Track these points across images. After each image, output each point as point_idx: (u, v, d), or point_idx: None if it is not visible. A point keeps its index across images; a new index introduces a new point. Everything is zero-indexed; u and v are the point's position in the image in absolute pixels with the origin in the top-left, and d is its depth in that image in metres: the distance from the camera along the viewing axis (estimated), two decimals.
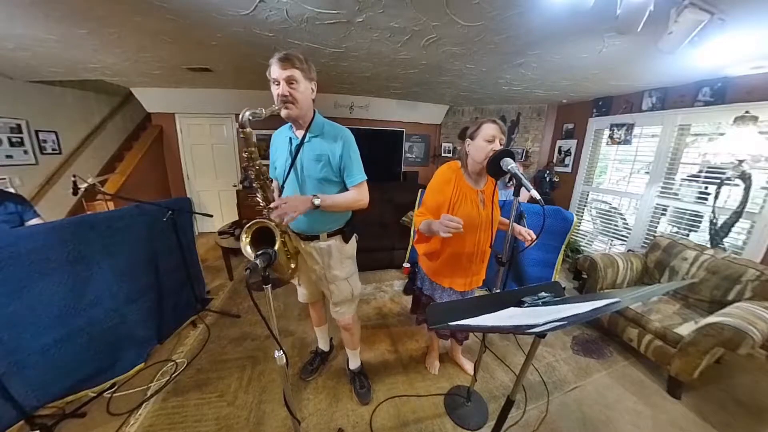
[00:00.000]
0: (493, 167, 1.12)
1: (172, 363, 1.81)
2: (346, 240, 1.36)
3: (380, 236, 3.35)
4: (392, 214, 3.84)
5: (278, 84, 1.07)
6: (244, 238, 1.09)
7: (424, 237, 1.40)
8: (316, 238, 1.29)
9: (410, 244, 3.26)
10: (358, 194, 1.23)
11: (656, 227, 2.92)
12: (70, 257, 1.50)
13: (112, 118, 4.18)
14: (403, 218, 3.75)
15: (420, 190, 3.19)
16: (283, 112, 1.09)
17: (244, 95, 3.84)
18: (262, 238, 1.14)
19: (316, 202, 1.12)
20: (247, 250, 1.09)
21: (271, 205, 1.05)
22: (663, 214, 2.89)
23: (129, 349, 1.75)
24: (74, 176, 1.95)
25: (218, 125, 4.15)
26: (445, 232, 1.07)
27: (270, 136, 1.30)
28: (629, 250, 2.88)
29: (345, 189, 1.26)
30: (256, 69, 2.79)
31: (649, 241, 2.84)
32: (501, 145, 1.21)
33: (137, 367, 1.74)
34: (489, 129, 1.22)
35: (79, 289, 1.53)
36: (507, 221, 1.23)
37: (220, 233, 3.01)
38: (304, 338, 2.09)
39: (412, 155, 5.24)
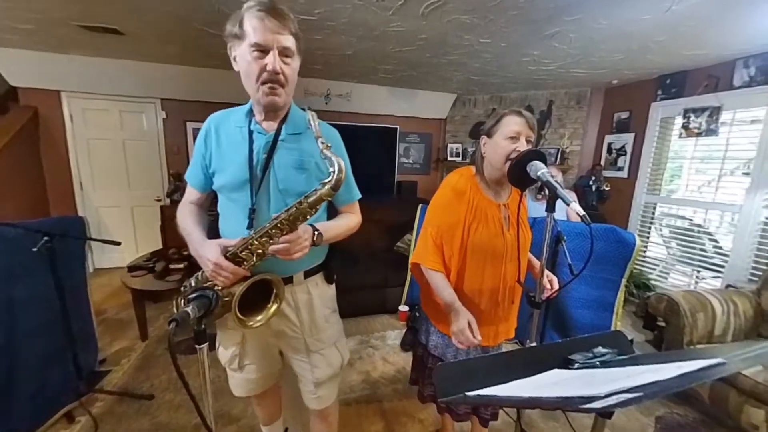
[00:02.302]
0: (517, 174, 1.13)
1: None
2: (330, 280, 1.31)
3: (367, 269, 3.33)
4: (383, 238, 3.84)
5: (264, 53, 0.98)
6: (234, 305, 1.03)
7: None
8: (287, 281, 1.18)
9: (408, 279, 3.25)
10: (356, 217, 1.29)
11: None
12: None
13: None
14: (399, 244, 3.75)
15: (420, 205, 3.23)
16: (267, 98, 1.03)
17: (177, 73, 3.88)
18: (257, 297, 1.10)
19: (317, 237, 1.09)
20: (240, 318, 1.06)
21: (283, 239, 1.00)
22: None
23: None
24: None
25: (134, 113, 4.16)
26: (458, 342, 1.21)
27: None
28: (729, 286, 2.88)
29: (324, 209, 1.24)
30: (193, 38, 2.83)
31: (760, 273, 2.77)
32: (529, 143, 1.24)
33: None
34: (511, 123, 1.25)
35: None
36: (538, 262, 1.25)
37: (132, 269, 2.93)
38: (254, 426, 1.99)
39: (409, 160, 5.36)
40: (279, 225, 1.00)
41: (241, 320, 1.05)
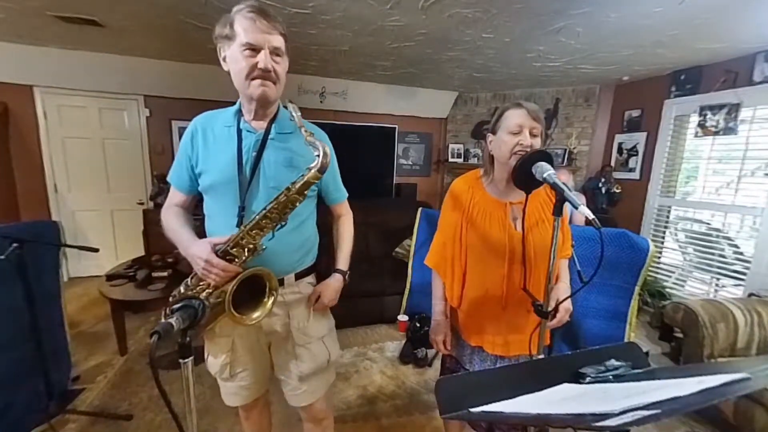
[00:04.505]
0: (522, 175, 1.15)
1: None
2: (321, 281, 1.41)
3: (364, 276, 3.32)
4: (382, 244, 3.84)
5: (255, 52, 1.08)
6: (227, 297, 1.04)
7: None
8: (278, 283, 1.23)
9: (407, 287, 3.24)
10: (350, 219, 1.47)
11: None
12: None
13: None
14: (397, 250, 3.75)
15: (420, 209, 3.23)
16: (258, 90, 1.11)
17: (162, 68, 3.88)
18: (250, 295, 1.12)
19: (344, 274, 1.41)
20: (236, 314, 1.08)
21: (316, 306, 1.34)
22: None
23: None
24: None
25: (114, 110, 4.15)
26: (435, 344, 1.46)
27: None
28: (752, 295, 2.88)
29: (311, 206, 1.35)
30: (178, 31, 2.83)
31: None
32: (534, 136, 1.26)
33: None
34: (512, 116, 1.28)
35: None
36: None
37: (111, 278, 2.91)
38: None
39: (408, 161, 5.41)
40: (268, 214, 1.06)
41: (235, 317, 1.06)
